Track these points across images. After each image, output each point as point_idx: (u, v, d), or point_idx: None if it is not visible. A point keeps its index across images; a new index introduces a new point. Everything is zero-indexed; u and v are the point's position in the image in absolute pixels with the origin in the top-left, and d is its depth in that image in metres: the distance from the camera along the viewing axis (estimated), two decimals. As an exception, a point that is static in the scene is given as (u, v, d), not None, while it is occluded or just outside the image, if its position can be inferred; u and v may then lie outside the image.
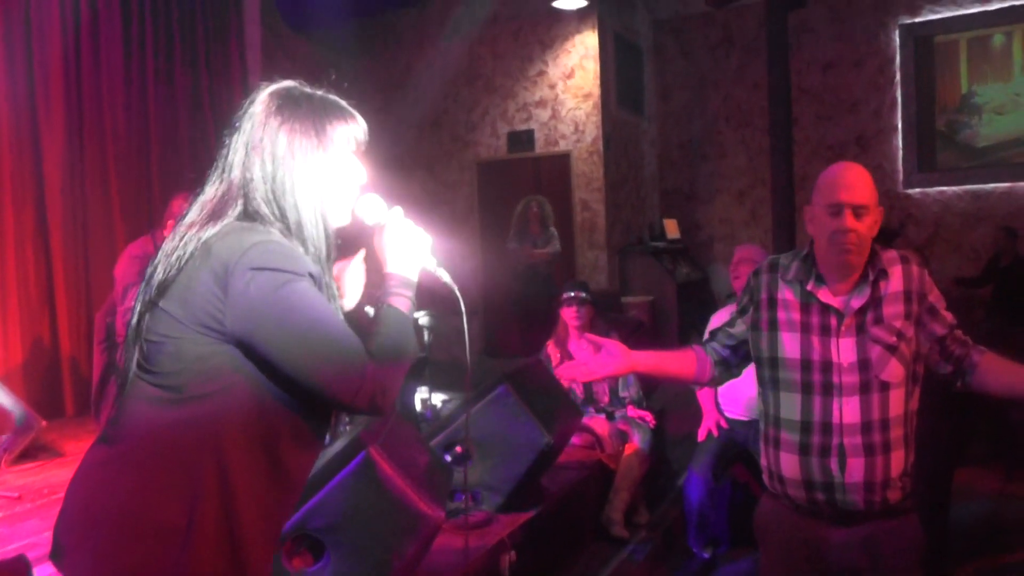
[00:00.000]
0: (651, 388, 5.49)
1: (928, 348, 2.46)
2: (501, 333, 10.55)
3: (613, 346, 2.62)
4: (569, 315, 5.30)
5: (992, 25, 10.11)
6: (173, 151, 8.07)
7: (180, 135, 8.17)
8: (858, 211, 2.41)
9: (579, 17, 10.16)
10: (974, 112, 10.31)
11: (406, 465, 3.09)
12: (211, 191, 1.75)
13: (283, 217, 1.72)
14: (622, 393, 5.24)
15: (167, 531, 1.58)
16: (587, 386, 5.25)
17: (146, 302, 1.68)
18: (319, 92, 1.84)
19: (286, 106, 1.76)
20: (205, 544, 1.59)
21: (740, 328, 2.66)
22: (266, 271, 1.59)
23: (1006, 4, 9.99)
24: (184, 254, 1.65)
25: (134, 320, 1.70)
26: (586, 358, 2.60)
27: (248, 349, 1.63)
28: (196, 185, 1.80)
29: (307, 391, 1.65)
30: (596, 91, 10.22)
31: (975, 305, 9.23)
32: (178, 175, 7.93)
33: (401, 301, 1.81)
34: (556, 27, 10.35)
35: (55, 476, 4.91)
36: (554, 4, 9.68)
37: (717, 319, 5.03)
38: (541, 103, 10.53)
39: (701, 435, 4.81)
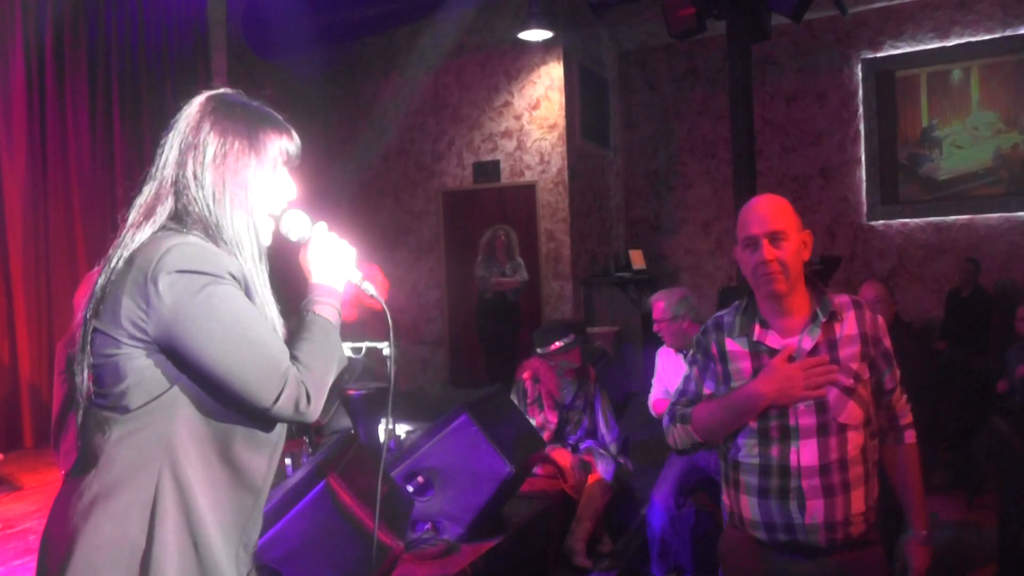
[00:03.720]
0: (616, 417, 5.49)
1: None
2: (467, 362, 10.54)
3: None
4: (571, 363, 5.22)
5: (950, 61, 10.32)
6: (139, 178, 8.00)
7: (145, 162, 8.01)
8: (774, 239, 2.40)
9: (545, 48, 10.22)
10: (935, 146, 10.47)
11: (365, 495, 3.06)
12: (146, 190, 1.78)
13: (212, 217, 1.72)
14: (608, 438, 5.22)
15: (129, 550, 1.58)
16: (562, 426, 5.23)
17: (87, 323, 1.68)
18: (256, 102, 1.85)
19: (221, 109, 1.77)
20: (167, 557, 1.59)
21: (711, 384, 2.61)
22: (185, 274, 1.59)
23: (963, 40, 10.20)
24: (112, 270, 1.66)
25: (79, 346, 1.69)
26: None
27: (172, 355, 1.62)
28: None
29: (230, 395, 1.64)
30: (561, 122, 10.28)
31: (936, 335, 9.34)
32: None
33: (327, 310, 1.82)
34: (522, 58, 10.41)
35: (11, 510, 4.83)
36: (520, 35, 9.74)
37: (665, 369, 5.04)
38: (507, 134, 10.57)
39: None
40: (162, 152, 1.78)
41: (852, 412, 2.39)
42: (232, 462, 1.69)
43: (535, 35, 9.66)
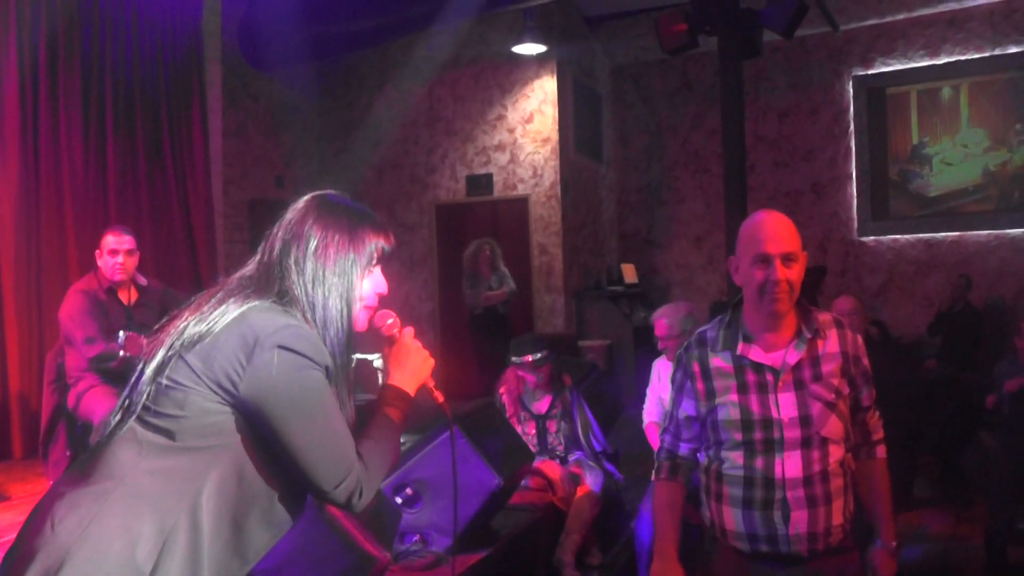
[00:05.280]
0: (604, 431, 5.50)
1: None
2: (459, 375, 10.54)
3: None
4: (529, 378, 5.26)
5: (940, 79, 10.39)
6: (132, 190, 8.02)
7: (139, 173, 8.12)
8: (787, 260, 2.43)
9: (539, 62, 10.27)
10: (925, 162, 10.53)
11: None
12: (251, 269, 1.90)
13: (309, 299, 1.84)
14: (597, 448, 5.25)
15: (132, 571, 1.60)
16: (541, 436, 5.25)
17: (173, 350, 1.76)
18: (357, 203, 1.99)
19: (325, 207, 1.92)
20: None
21: (690, 403, 2.63)
22: (292, 353, 1.71)
23: (953, 59, 10.27)
24: (225, 319, 1.75)
25: (155, 363, 1.77)
26: None
27: (253, 417, 1.72)
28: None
29: (296, 471, 1.75)
30: (555, 136, 10.32)
31: (927, 353, 9.37)
32: (136, 213, 7.89)
33: (398, 415, 1.97)
34: (516, 72, 10.46)
35: (0, 520, 4.82)
36: (514, 49, 9.79)
37: (661, 381, 5.06)
38: (500, 147, 10.60)
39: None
40: (268, 239, 1.91)
41: (834, 426, 2.44)
42: (240, 527, 1.74)
43: (529, 49, 9.71)
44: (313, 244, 1.86)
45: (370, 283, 1.94)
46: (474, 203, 10.81)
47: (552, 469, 5.01)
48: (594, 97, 11.55)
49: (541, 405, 5.26)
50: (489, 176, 10.66)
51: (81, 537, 1.61)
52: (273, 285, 1.84)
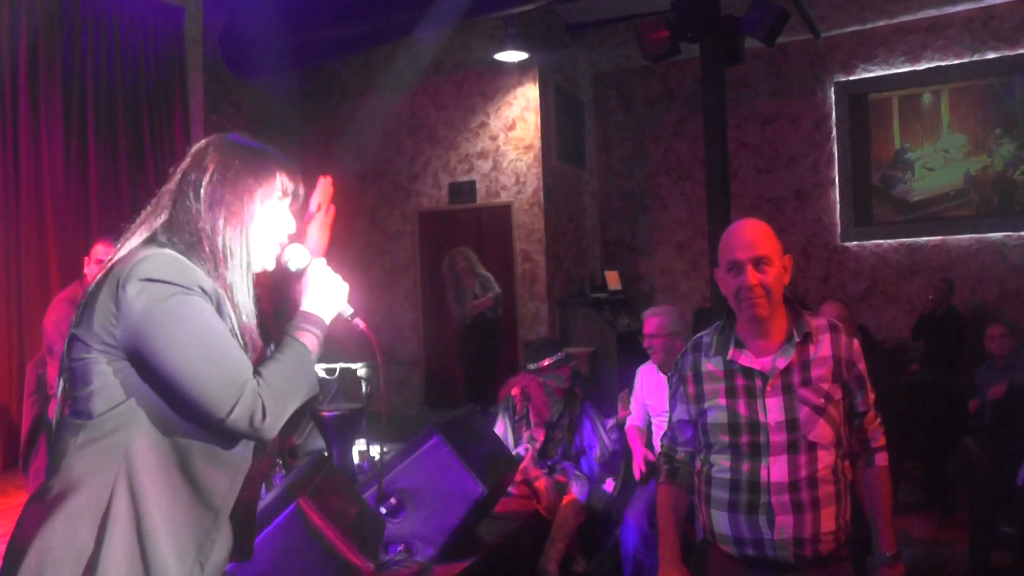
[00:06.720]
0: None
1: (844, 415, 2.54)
2: (442, 382, 10.52)
3: None
4: (549, 383, 5.19)
5: (921, 84, 10.45)
6: (113, 198, 7.96)
7: (120, 182, 8.06)
8: (758, 264, 2.45)
9: (521, 70, 10.26)
10: (907, 168, 10.58)
11: (336, 516, 3.06)
12: (144, 213, 1.85)
13: (205, 224, 1.78)
14: (592, 467, 5.24)
15: (77, 553, 1.60)
16: (546, 445, 5.22)
17: (70, 333, 1.72)
18: (259, 142, 1.94)
19: (225, 140, 1.88)
20: (112, 564, 1.61)
21: (683, 407, 2.67)
22: (154, 282, 1.64)
23: (933, 64, 10.33)
24: (97, 279, 1.72)
25: (65, 354, 1.74)
26: None
27: (135, 360, 1.66)
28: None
29: (186, 403, 1.66)
30: (537, 143, 10.30)
31: (910, 357, 9.41)
32: (117, 223, 7.81)
33: (308, 338, 1.85)
34: (498, 79, 10.44)
35: (-22, 531, 4.77)
36: (496, 56, 9.78)
37: (643, 387, 5.06)
38: (482, 154, 10.58)
39: (636, 473, 4.84)
40: (168, 177, 1.86)
41: (822, 431, 2.43)
42: (192, 478, 1.71)
43: (511, 56, 9.69)
44: (212, 168, 1.81)
45: (274, 216, 1.89)
46: (457, 211, 10.78)
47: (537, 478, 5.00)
48: (576, 104, 11.56)
49: (554, 413, 5.23)
50: (472, 183, 10.64)
51: (31, 538, 1.62)
52: (161, 214, 1.80)
